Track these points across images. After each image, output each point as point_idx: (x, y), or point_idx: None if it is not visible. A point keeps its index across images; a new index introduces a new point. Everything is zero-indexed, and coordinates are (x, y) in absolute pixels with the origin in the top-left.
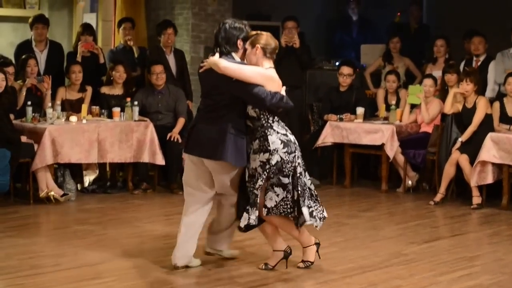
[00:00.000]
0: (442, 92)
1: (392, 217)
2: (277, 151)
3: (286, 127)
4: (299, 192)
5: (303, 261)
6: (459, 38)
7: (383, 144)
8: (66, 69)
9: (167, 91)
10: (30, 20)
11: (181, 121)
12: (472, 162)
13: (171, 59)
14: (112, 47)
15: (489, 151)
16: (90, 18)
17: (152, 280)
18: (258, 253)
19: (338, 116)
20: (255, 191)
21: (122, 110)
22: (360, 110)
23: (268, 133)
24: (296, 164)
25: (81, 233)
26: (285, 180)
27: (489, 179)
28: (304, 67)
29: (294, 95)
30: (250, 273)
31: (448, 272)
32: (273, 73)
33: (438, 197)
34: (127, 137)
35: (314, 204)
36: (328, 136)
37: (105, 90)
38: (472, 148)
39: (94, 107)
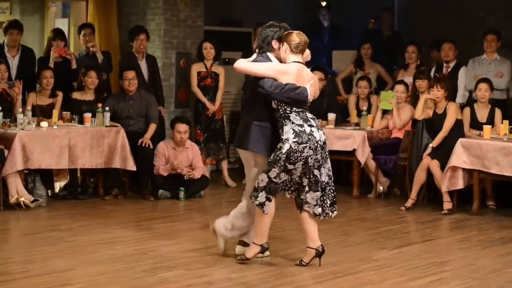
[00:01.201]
0: (413, 98)
1: (363, 222)
2: (288, 140)
3: (310, 119)
4: (310, 179)
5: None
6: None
7: (354, 150)
8: (37, 74)
9: (138, 96)
10: (4, 25)
11: (152, 127)
12: (442, 167)
13: (143, 65)
14: None
15: (459, 157)
16: (62, 24)
17: (123, 285)
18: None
19: None
20: (272, 178)
21: (93, 116)
22: (331, 116)
23: (284, 123)
24: (307, 155)
25: (51, 239)
26: (290, 167)
27: (460, 184)
28: None
29: None
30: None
31: (419, 278)
32: (288, 67)
33: (409, 203)
34: (98, 143)
35: (321, 196)
36: None
37: (76, 95)
38: (443, 153)
39: (65, 112)
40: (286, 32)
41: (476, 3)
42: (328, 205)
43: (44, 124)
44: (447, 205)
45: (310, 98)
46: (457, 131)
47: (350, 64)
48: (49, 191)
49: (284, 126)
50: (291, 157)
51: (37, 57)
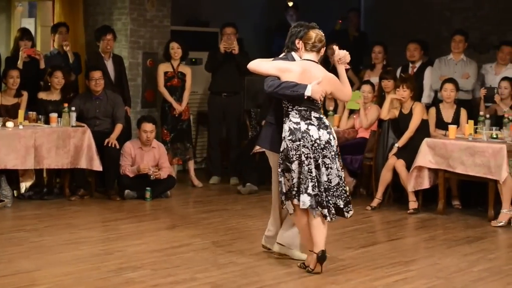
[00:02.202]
0: (379, 98)
1: (329, 222)
2: (285, 138)
3: (313, 117)
4: (300, 179)
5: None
6: (396, 45)
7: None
8: (3, 74)
9: (105, 97)
10: None
11: (118, 127)
12: (408, 167)
13: (109, 65)
14: None
15: (425, 157)
16: (29, 23)
17: (89, 286)
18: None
19: None
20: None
21: (60, 116)
22: None
23: (285, 121)
24: (301, 153)
25: (17, 240)
26: (292, 166)
27: (426, 184)
28: (243, 73)
29: (232, 100)
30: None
31: (384, 277)
32: (292, 65)
33: (375, 202)
34: (64, 143)
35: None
36: None
37: (42, 95)
38: (409, 153)
39: (31, 112)
40: (305, 31)
41: (442, 3)
42: (342, 206)
43: (10, 124)
44: (413, 204)
45: (317, 96)
46: (423, 131)
47: None
48: (14, 191)
49: (284, 124)
50: (289, 156)
51: (4, 57)
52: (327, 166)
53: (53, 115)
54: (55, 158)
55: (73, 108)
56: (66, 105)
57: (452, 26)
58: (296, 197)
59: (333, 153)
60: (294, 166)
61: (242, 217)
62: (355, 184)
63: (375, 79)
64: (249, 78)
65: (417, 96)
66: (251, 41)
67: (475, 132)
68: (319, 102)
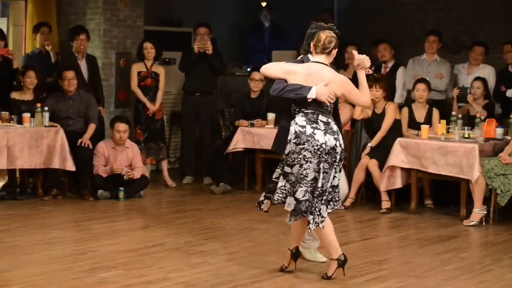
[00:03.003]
0: None
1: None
2: (290, 141)
3: (320, 121)
4: (292, 181)
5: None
6: (370, 46)
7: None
8: None
9: (78, 97)
10: None
11: (91, 127)
12: (381, 167)
13: (83, 65)
14: (23, 52)
15: (397, 156)
16: (1, 23)
17: (61, 286)
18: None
19: (249, 121)
20: (273, 179)
21: (32, 116)
22: (271, 116)
23: (291, 124)
24: (302, 156)
25: None
26: (287, 169)
27: (398, 183)
28: (216, 73)
29: (206, 100)
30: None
31: (357, 276)
32: (298, 67)
33: (348, 202)
34: (37, 143)
35: (316, 204)
36: (239, 142)
37: (15, 95)
38: (381, 153)
39: (3, 112)
40: (317, 32)
41: (414, 4)
42: (324, 210)
43: None
44: (386, 204)
45: (322, 98)
46: (396, 130)
47: None
48: None
49: (290, 127)
50: (289, 160)
51: None
52: (325, 171)
53: (26, 115)
54: (28, 158)
55: (46, 108)
56: (39, 105)
57: (424, 27)
58: (284, 199)
59: (334, 159)
60: (295, 169)
61: (215, 217)
62: None
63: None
64: (223, 78)
65: (389, 96)
66: (224, 41)
67: (448, 132)
68: (328, 105)
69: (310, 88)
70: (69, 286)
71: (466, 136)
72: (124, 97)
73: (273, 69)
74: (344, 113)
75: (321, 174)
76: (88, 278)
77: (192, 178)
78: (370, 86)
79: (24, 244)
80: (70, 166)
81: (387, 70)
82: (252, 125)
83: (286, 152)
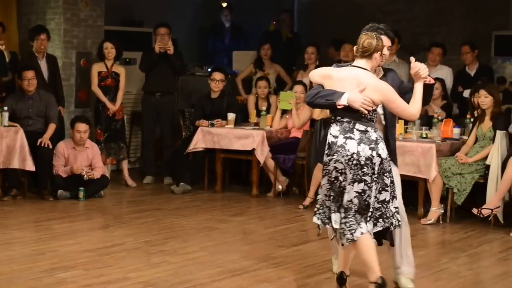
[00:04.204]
0: None
1: (262, 221)
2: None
3: (356, 130)
4: (331, 197)
5: None
6: (327, 45)
7: (253, 149)
8: None
9: (38, 96)
10: None
11: (51, 127)
12: None
13: (43, 65)
14: None
15: None
16: None
17: (20, 286)
18: None
19: (210, 121)
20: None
21: None
22: (231, 116)
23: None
24: (332, 168)
25: None
26: (323, 181)
27: None
28: (177, 73)
29: (166, 100)
30: None
31: (316, 274)
32: (333, 71)
33: (307, 201)
34: None
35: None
36: (199, 142)
37: None
38: None
39: None
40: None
41: (374, 5)
42: (364, 227)
43: None
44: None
45: (355, 105)
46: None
47: (250, 65)
48: None
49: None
50: (324, 171)
51: None
52: (358, 184)
53: None
54: None
55: (5, 108)
56: None
57: None
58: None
59: (373, 171)
60: (323, 181)
61: (175, 217)
62: (288, 183)
63: (307, 80)
64: (183, 78)
65: None
66: (185, 41)
67: (406, 131)
68: (365, 113)
69: (342, 94)
70: (28, 286)
71: (424, 136)
72: (84, 97)
73: (314, 74)
74: (303, 113)
75: (351, 185)
76: (47, 278)
77: (153, 178)
78: None
79: None
80: (30, 166)
81: None
82: (212, 125)
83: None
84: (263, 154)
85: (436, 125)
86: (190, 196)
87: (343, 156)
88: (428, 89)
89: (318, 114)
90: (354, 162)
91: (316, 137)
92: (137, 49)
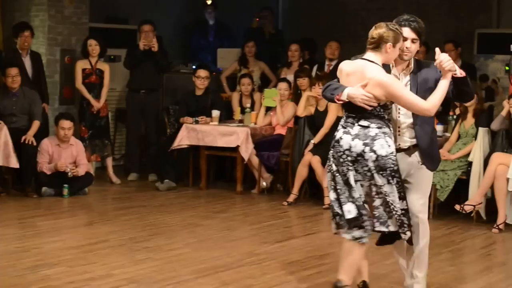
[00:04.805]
0: (294, 96)
1: (246, 217)
2: None
3: (354, 125)
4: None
5: None
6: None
7: (238, 146)
8: None
9: (22, 93)
10: None
11: (36, 124)
12: (324, 163)
13: (27, 62)
14: None
15: None
16: None
17: (3, 284)
18: None
19: (194, 118)
20: None
21: None
22: (215, 113)
23: None
24: (331, 162)
25: None
26: (327, 178)
27: None
28: (162, 70)
29: (151, 97)
30: None
31: (299, 271)
32: (344, 65)
33: (291, 198)
34: None
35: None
36: (184, 139)
37: None
38: (324, 149)
39: None
40: None
41: (357, 3)
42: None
43: None
44: (328, 200)
45: (355, 100)
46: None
47: (234, 62)
48: None
49: None
50: (327, 166)
51: None
52: (356, 181)
53: None
54: None
55: None
56: None
57: (367, 26)
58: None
59: (365, 169)
60: (328, 178)
61: (160, 213)
62: (272, 180)
63: (291, 77)
64: (168, 75)
65: None
66: (169, 38)
67: None
68: (369, 109)
69: (343, 87)
70: (11, 283)
71: None
72: (68, 94)
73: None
74: (287, 111)
75: (355, 184)
76: (31, 276)
77: (137, 175)
78: (313, 84)
79: None
80: (14, 163)
81: (331, 68)
82: (197, 122)
83: None
84: (247, 151)
85: None
86: (175, 193)
87: (337, 152)
88: (461, 83)
89: (302, 111)
90: (343, 158)
91: (300, 134)
92: (122, 46)
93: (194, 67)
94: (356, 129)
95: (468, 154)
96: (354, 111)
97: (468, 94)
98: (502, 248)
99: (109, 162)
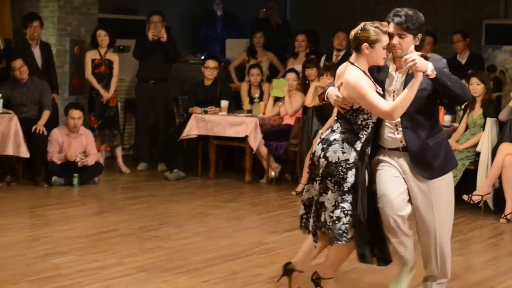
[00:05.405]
0: (303, 86)
1: (255, 207)
2: None
3: (332, 129)
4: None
5: None
6: (321, 35)
7: (246, 136)
8: None
9: (31, 84)
10: None
11: (46, 114)
12: None
13: (37, 52)
14: None
15: None
16: None
17: (14, 272)
18: None
19: (203, 109)
20: None
21: None
22: (224, 103)
23: None
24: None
25: None
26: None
27: None
28: (170, 60)
29: (160, 88)
30: None
31: None
32: (339, 68)
33: (299, 187)
34: None
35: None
36: (193, 129)
37: None
38: None
39: None
40: None
41: None
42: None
43: None
44: None
45: (331, 100)
46: None
47: (243, 53)
48: None
49: None
50: None
51: None
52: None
53: None
54: None
55: None
56: None
57: (376, 16)
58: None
59: (317, 172)
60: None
61: (169, 203)
62: (280, 169)
63: (298, 67)
64: (177, 65)
65: None
66: (178, 29)
67: None
68: (342, 111)
69: (328, 88)
70: (22, 271)
71: None
72: (78, 84)
73: None
74: (296, 101)
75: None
76: (41, 264)
77: (146, 165)
78: (321, 74)
79: None
80: (24, 153)
81: (339, 58)
82: (206, 112)
83: None
84: (256, 141)
85: None
86: (184, 182)
87: (314, 157)
88: (438, 85)
89: (310, 101)
90: (311, 161)
91: (309, 124)
92: (131, 36)
93: (202, 57)
94: (326, 133)
95: (476, 145)
96: (338, 114)
97: (453, 98)
98: (510, 238)
99: (119, 152)
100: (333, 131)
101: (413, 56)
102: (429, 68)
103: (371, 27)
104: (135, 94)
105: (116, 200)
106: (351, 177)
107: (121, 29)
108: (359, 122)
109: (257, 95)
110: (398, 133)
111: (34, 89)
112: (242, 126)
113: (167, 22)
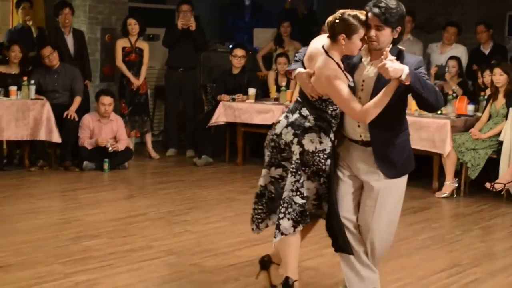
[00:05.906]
0: None
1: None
2: None
3: (296, 111)
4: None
5: None
6: None
7: (273, 124)
8: None
9: (63, 70)
10: None
11: (77, 100)
12: None
13: (69, 39)
14: (10, 26)
15: None
16: None
17: (47, 254)
18: None
19: (231, 96)
20: None
21: (19, 89)
22: (251, 91)
23: None
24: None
25: None
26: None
27: None
28: (199, 49)
29: (189, 75)
30: None
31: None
32: (312, 43)
33: None
34: (23, 115)
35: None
36: (221, 116)
37: (1, 69)
38: None
39: None
40: None
41: None
42: (284, 223)
43: None
44: None
45: (302, 87)
46: None
47: (270, 42)
48: None
49: None
50: None
51: None
52: (285, 170)
53: (13, 88)
54: (14, 130)
55: (32, 81)
56: (25, 78)
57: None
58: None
59: (291, 161)
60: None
61: (197, 188)
62: None
63: None
64: (205, 54)
65: None
66: (207, 18)
67: None
68: (311, 99)
69: (296, 67)
70: (54, 253)
71: (439, 112)
72: (109, 71)
73: None
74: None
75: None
76: (72, 246)
77: (175, 151)
78: None
79: (11, 213)
80: (56, 138)
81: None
82: (234, 100)
83: None
84: None
85: (451, 101)
86: (212, 168)
87: (269, 135)
88: (412, 93)
89: None
90: (272, 144)
91: None
92: (160, 25)
93: (230, 46)
94: (294, 117)
95: (499, 134)
96: (302, 97)
97: (425, 106)
98: None
99: (148, 137)
100: (303, 116)
101: (388, 62)
102: (404, 73)
103: (349, 17)
104: (165, 82)
105: (146, 185)
106: (328, 166)
107: (151, 18)
108: (329, 112)
109: (284, 84)
110: (359, 126)
111: (65, 76)
112: (269, 114)
113: (196, 11)
